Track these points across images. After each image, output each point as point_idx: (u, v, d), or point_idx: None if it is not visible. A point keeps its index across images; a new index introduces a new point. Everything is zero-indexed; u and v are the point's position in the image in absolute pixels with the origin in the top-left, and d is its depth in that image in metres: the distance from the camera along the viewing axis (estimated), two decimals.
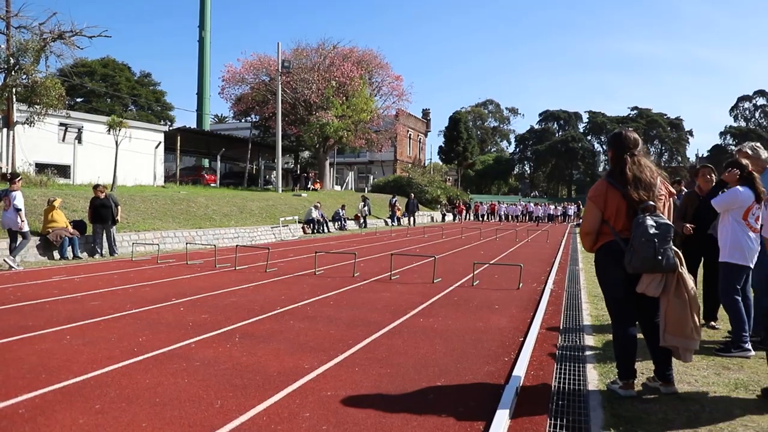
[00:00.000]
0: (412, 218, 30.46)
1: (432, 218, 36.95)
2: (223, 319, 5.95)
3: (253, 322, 5.82)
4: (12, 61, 12.83)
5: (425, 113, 62.10)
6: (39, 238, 11.48)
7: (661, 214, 3.58)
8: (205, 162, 41.15)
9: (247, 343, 4.99)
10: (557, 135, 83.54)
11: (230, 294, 7.57)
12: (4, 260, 9.88)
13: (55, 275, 9.20)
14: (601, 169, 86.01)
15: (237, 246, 12.21)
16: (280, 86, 29.93)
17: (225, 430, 3.09)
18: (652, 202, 3.56)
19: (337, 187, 41.91)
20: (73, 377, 3.93)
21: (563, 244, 18.10)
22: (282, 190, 29.95)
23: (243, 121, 43.71)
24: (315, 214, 21.92)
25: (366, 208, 27.31)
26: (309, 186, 35.67)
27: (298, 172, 39.46)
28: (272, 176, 38.41)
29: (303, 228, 21.29)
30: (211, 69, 47.03)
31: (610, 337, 5.30)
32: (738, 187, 4.66)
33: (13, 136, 18.82)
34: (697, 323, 3.55)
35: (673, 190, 3.87)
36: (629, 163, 3.66)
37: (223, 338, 5.14)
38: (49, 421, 3.16)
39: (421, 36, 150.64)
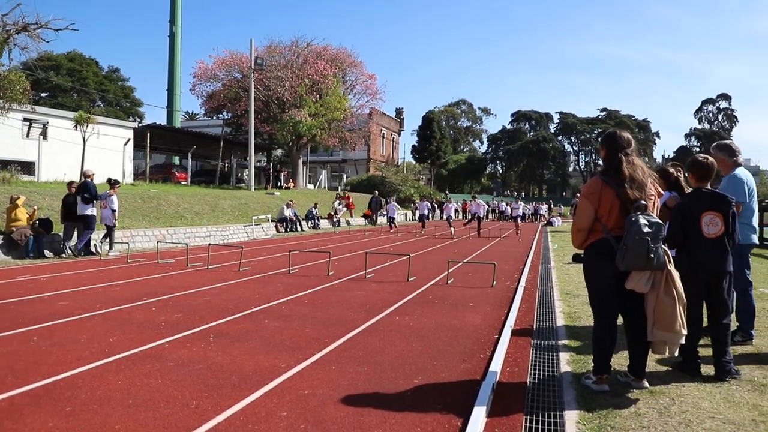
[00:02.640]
0: (375, 216, 30.11)
1: (406, 217, 37.06)
2: (197, 318, 5.87)
3: (227, 322, 5.75)
4: None
5: (399, 112, 62.26)
6: (2, 237, 11.13)
7: (652, 213, 3.67)
8: (176, 159, 40.46)
9: (222, 342, 4.92)
10: (529, 135, 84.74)
11: (203, 293, 7.46)
12: (108, 252, 12.25)
13: (19, 275, 8.93)
14: (571, 168, 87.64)
15: (209, 245, 12.04)
16: (252, 83, 29.61)
17: (201, 431, 3.05)
18: (644, 202, 3.64)
19: (311, 186, 41.69)
20: (42, 379, 3.82)
21: (535, 242, 18.35)
22: (255, 189, 29.65)
23: (215, 118, 43.12)
24: (288, 213, 21.76)
25: (341, 206, 27.22)
26: (282, 184, 35.36)
27: (271, 170, 39.10)
28: (245, 174, 37.99)
29: (276, 227, 21.12)
30: (182, 65, 46.25)
31: (582, 333, 5.41)
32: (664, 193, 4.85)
33: None
34: (684, 319, 3.64)
35: (661, 191, 3.95)
36: (624, 162, 3.73)
37: (196, 338, 5.06)
38: (17, 425, 3.07)
39: (394, 35, 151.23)
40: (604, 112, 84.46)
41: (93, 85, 54.36)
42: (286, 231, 21.29)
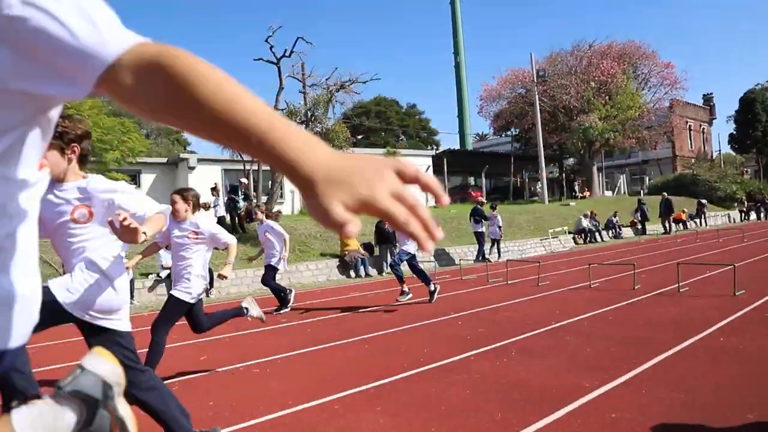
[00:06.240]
0: (667, 223, 25.23)
1: (730, 218, 31.78)
2: (499, 333, 6.12)
3: (528, 337, 5.85)
4: (309, 114, 15.59)
5: (707, 99, 53.95)
6: (338, 259, 13.45)
7: None
8: (471, 180, 42.82)
9: (523, 357, 5.03)
10: None
11: (504, 308, 7.73)
12: (497, 259, 15.64)
13: (352, 292, 10.66)
14: None
15: (507, 260, 12.39)
16: (537, 96, 29.58)
17: None
18: None
19: (608, 193, 39.21)
20: (373, 381, 4.51)
21: None
22: (549, 201, 29.35)
23: (503, 136, 44.38)
24: (585, 224, 20.91)
25: (638, 213, 24.80)
26: (576, 194, 34.19)
27: (564, 180, 38.15)
28: (537, 187, 37.95)
29: (574, 238, 20.49)
30: (468, 90, 49.09)
31: None
32: None
33: None
34: None
35: None
36: None
37: (499, 352, 5.28)
38: (357, 418, 3.70)
39: (687, 13, 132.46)
40: None
41: (396, 123, 61.67)
42: (584, 242, 20.47)
